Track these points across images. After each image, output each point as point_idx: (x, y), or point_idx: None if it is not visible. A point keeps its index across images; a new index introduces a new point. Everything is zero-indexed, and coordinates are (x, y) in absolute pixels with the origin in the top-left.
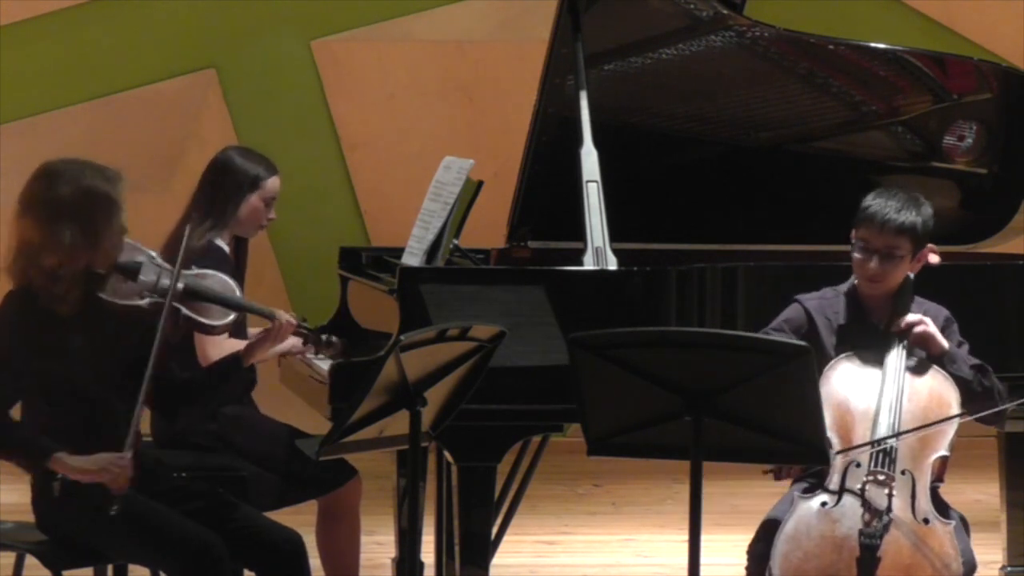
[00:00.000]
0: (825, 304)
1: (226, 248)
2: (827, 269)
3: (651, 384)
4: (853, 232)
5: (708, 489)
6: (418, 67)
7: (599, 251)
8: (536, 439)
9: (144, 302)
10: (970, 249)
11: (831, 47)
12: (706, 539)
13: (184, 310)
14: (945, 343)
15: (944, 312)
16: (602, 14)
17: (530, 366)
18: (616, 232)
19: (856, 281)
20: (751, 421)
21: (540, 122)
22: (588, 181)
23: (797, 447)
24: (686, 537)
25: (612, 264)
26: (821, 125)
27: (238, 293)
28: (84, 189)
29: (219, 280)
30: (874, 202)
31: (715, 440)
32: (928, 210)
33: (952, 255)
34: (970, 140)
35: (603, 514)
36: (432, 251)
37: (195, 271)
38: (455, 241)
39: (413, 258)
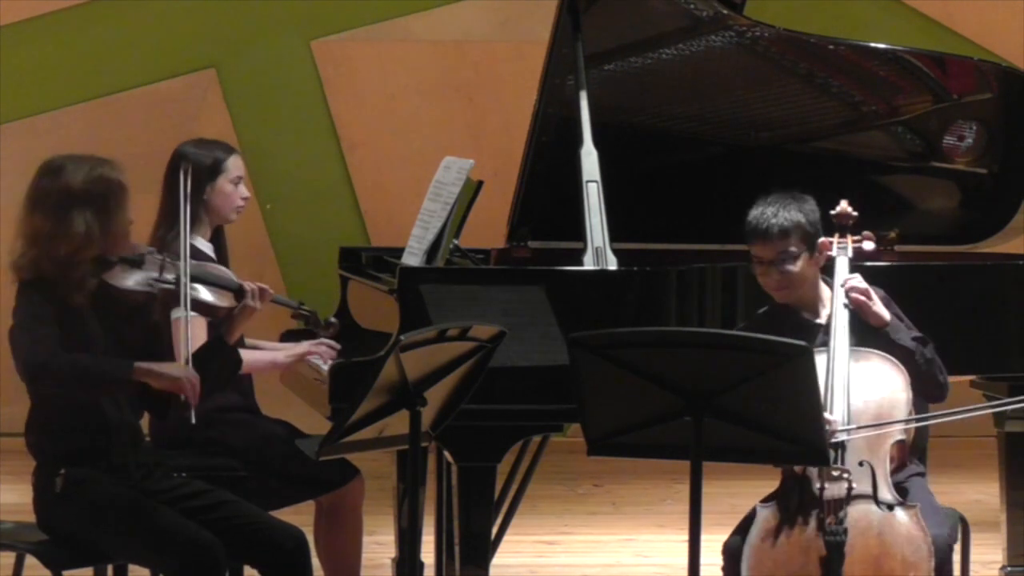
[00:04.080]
0: (762, 320)
1: (203, 246)
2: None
3: (651, 384)
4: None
5: (708, 489)
6: (418, 67)
7: (599, 251)
8: (536, 439)
9: (153, 289)
10: (970, 249)
11: (831, 47)
12: (706, 539)
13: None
14: (886, 313)
15: (880, 292)
16: (602, 14)
17: (530, 366)
18: (616, 232)
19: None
20: (751, 421)
21: (540, 122)
22: (588, 181)
23: (797, 447)
24: (686, 537)
25: (612, 264)
26: (821, 125)
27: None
28: (96, 177)
29: (216, 267)
30: (752, 214)
31: (715, 440)
32: (810, 204)
33: (952, 255)
34: (970, 140)
35: (603, 514)
36: (432, 251)
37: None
38: (455, 241)
39: (413, 258)
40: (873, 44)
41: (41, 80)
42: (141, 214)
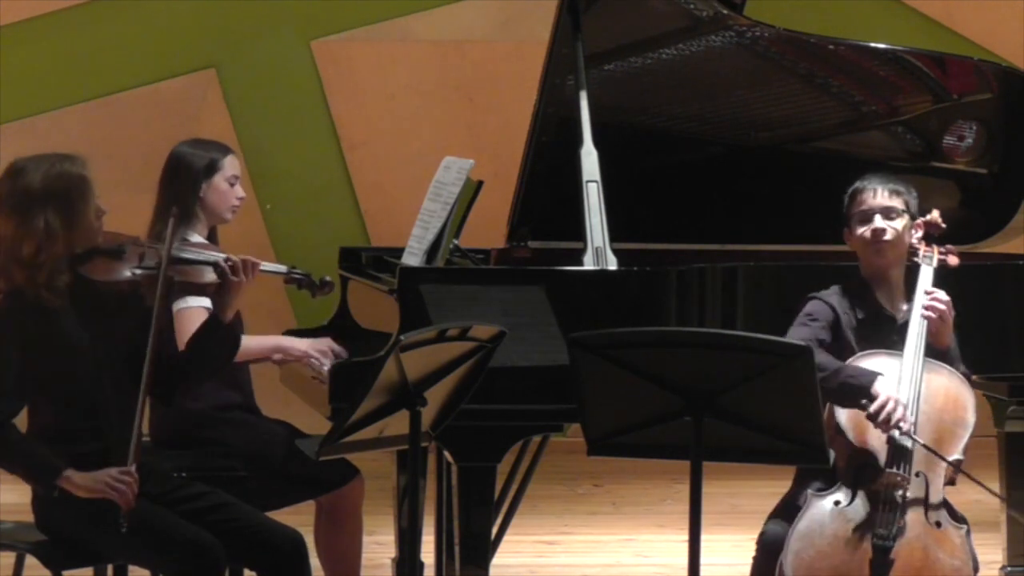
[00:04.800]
0: (841, 299)
1: (198, 241)
2: (827, 269)
3: (651, 384)
4: (846, 230)
5: (708, 489)
6: (418, 67)
7: (599, 251)
8: (536, 439)
9: (135, 276)
10: (970, 249)
11: (831, 47)
12: (706, 539)
13: (177, 276)
14: (952, 340)
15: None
16: (602, 14)
17: (530, 366)
18: (616, 232)
19: (864, 271)
20: (751, 421)
21: (540, 122)
22: (588, 181)
23: (797, 447)
24: (686, 537)
25: (612, 264)
26: (821, 125)
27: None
28: (55, 174)
29: (198, 247)
30: (860, 182)
31: (715, 440)
32: (912, 191)
33: None
34: (970, 140)
35: (603, 514)
36: (432, 251)
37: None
38: (455, 241)
39: (413, 258)
40: (873, 44)
41: (41, 80)
42: (140, 214)
